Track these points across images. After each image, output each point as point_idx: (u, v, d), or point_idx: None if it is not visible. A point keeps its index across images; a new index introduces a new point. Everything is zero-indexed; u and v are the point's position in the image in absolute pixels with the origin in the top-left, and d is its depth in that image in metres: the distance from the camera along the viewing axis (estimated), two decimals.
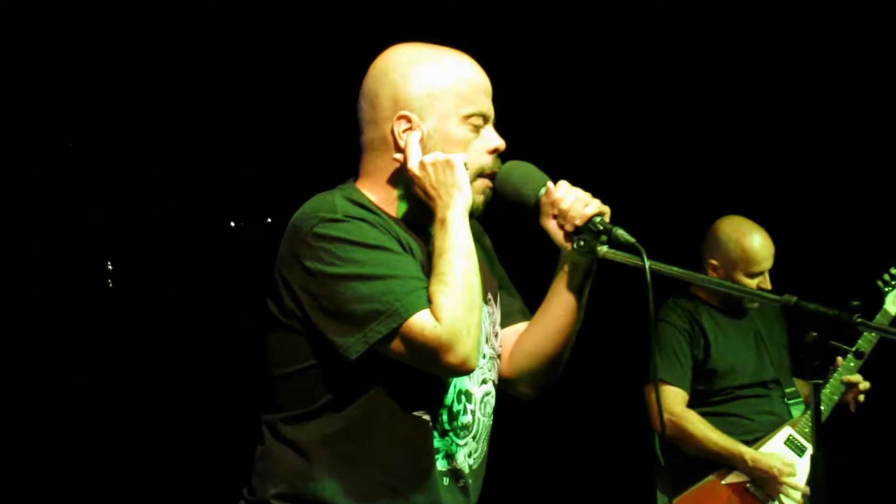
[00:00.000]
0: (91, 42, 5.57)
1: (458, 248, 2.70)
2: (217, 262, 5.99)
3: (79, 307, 5.83)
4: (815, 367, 2.57)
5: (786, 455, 5.03)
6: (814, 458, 2.60)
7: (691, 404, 5.09)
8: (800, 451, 5.04)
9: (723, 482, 5.02)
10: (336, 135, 3.33)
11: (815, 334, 2.53)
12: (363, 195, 2.83)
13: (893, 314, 5.15)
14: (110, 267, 5.83)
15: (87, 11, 5.48)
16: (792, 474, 4.95)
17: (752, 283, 5.13)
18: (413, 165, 2.78)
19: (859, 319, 2.52)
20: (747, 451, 4.99)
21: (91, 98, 5.73)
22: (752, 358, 5.21)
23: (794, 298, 2.57)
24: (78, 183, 5.77)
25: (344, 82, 3.07)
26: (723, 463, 5.02)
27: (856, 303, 2.54)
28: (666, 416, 5.01)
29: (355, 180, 2.90)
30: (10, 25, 5.39)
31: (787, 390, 5.24)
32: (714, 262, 5.23)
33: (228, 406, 5.71)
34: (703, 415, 5.06)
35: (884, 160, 6.08)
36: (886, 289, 5.18)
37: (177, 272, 5.98)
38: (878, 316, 5.08)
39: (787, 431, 5.10)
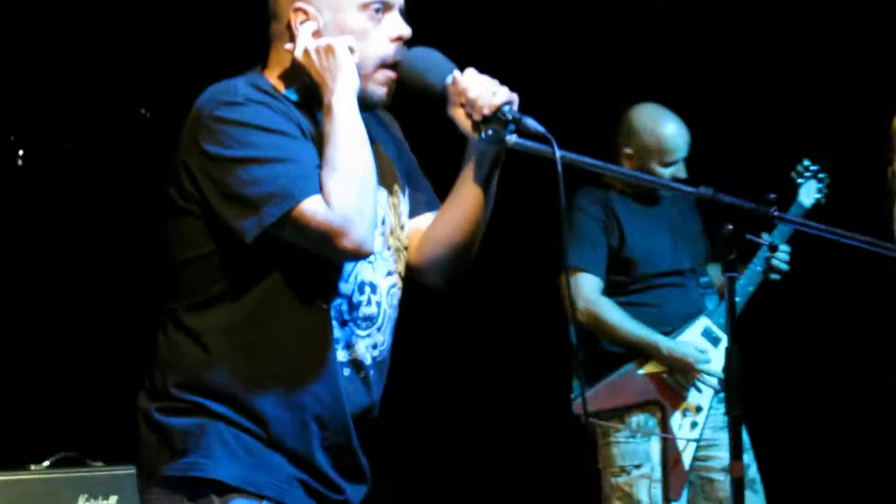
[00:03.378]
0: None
1: (344, 133, 2.68)
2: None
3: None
4: (730, 259, 2.64)
5: (701, 344, 5.03)
6: (728, 351, 2.66)
7: (607, 295, 5.06)
8: (715, 342, 5.05)
9: (641, 371, 5.02)
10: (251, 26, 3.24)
11: (731, 227, 2.60)
12: (268, 82, 2.82)
13: (807, 206, 5.17)
14: None
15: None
16: (706, 361, 4.96)
17: (667, 173, 5.09)
18: (298, 54, 2.77)
19: (776, 213, 2.58)
20: (663, 341, 4.98)
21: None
22: (667, 247, 5.16)
23: (711, 191, 2.60)
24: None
25: None
26: (639, 352, 5.01)
27: (772, 196, 2.57)
28: (581, 303, 4.98)
29: (263, 69, 2.88)
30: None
31: (702, 280, 5.24)
32: (628, 150, 5.17)
33: (128, 295, 5.70)
34: (619, 305, 5.04)
35: (797, 49, 6.04)
36: (800, 181, 5.19)
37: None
38: (791, 207, 5.08)
39: (702, 322, 5.10)
